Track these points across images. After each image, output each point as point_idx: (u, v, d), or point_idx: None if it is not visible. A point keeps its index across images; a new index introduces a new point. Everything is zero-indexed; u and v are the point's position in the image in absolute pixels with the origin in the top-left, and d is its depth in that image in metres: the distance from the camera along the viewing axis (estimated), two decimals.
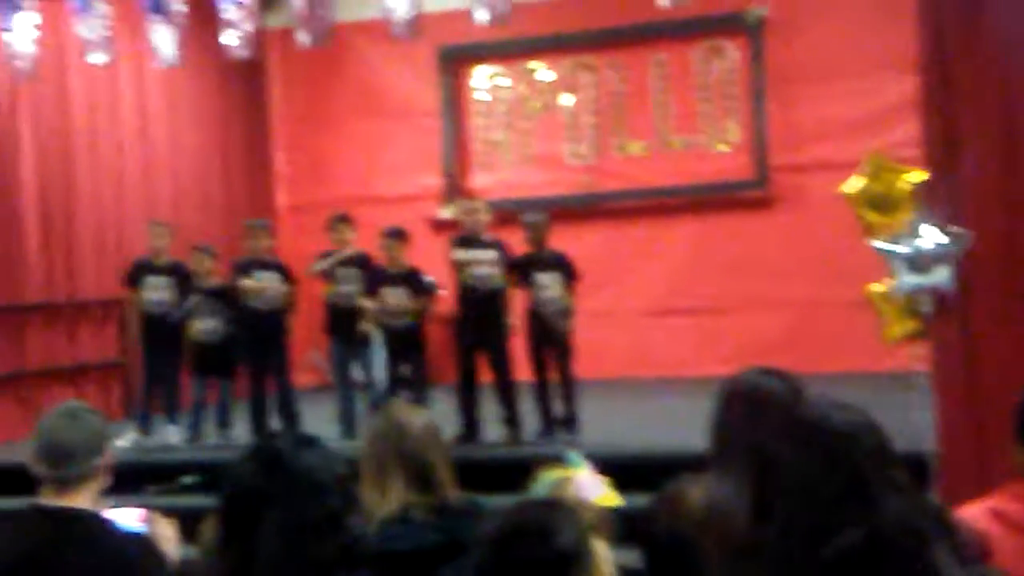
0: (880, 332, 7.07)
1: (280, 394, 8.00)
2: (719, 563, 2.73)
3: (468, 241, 7.62)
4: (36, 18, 7.86)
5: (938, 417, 5.80)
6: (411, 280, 7.80)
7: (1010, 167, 5.53)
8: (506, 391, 7.53)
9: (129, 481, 3.20)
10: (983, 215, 5.59)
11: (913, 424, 5.73)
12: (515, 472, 5.98)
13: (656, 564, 3.07)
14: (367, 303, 7.83)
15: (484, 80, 11.91)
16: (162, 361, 8.29)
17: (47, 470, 3.04)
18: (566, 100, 11.66)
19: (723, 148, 11.19)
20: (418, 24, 7.01)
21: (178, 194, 10.79)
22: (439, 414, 7.51)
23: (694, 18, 11.14)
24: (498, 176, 11.79)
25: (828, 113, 10.63)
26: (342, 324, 8.06)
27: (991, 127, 5.59)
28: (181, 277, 8.22)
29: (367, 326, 7.91)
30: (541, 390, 7.59)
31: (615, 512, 3.07)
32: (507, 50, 11.68)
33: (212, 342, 8.09)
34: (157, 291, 8.20)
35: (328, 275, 8.15)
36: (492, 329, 7.53)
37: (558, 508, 2.31)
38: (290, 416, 7.95)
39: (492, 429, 7.58)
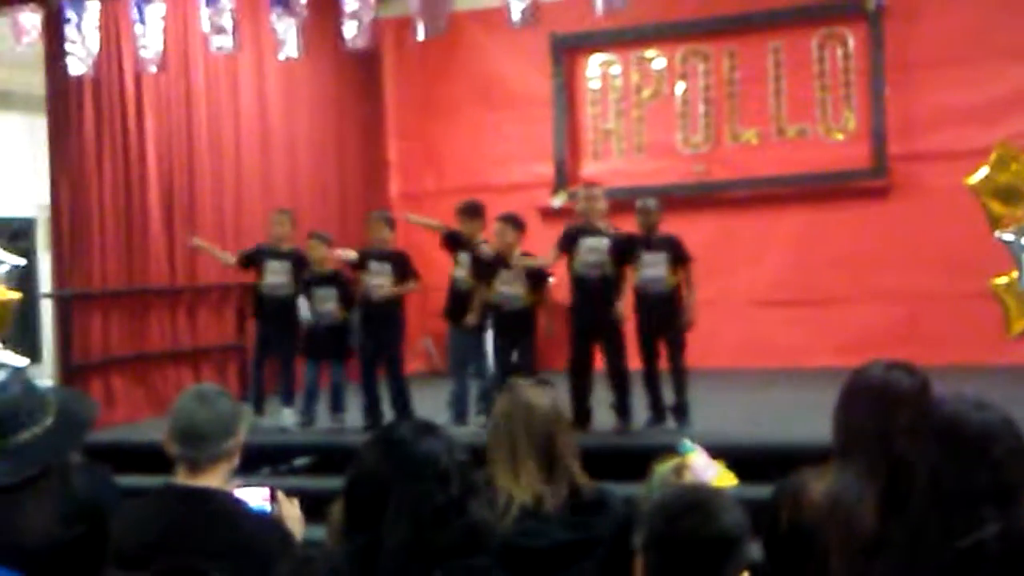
0: (1002, 325, 6.93)
1: (392, 383, 8.06)
2: (842, 557, 2.71)
3: (582, 230, 7.61)
4: (162, 9, 8.08)
5: None
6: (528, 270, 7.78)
7: None
8: (617, 379, 7.52)
9: (242, 462, 3.27)
10: None
11: None
12: (626, 460, 6.02)
13: (777, 556, 3.06)
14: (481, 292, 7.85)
15: (596, 68, 11.89)
16: (277, 343, 8.45)
17: (181, 450, 3.13)
18: (679, 88, 11.58)
19: (839, 137, 11.01)
20: (533, 12, 7.03)
21: (294, 182, 10.98)
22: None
23: (812, 4, 11.03)
24: (610, 165, 11.76)
25: (948, 101, 10.39)
26: (460, 310, 8.11)
27: None
28: (297, 263, 8.36)
29: (471, 318, 7.93)
30: (651, 378, 7.56)
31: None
32: (620, 38, 11.63)
33: (326, 325, 8.19)
34: (275, 275, 8.36)
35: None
36: (604, 316, 7.52)
37: (721, 494, 2.35)
38: (403, 404, 8.02)
39: (602, 417, 7.57)
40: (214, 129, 10.03)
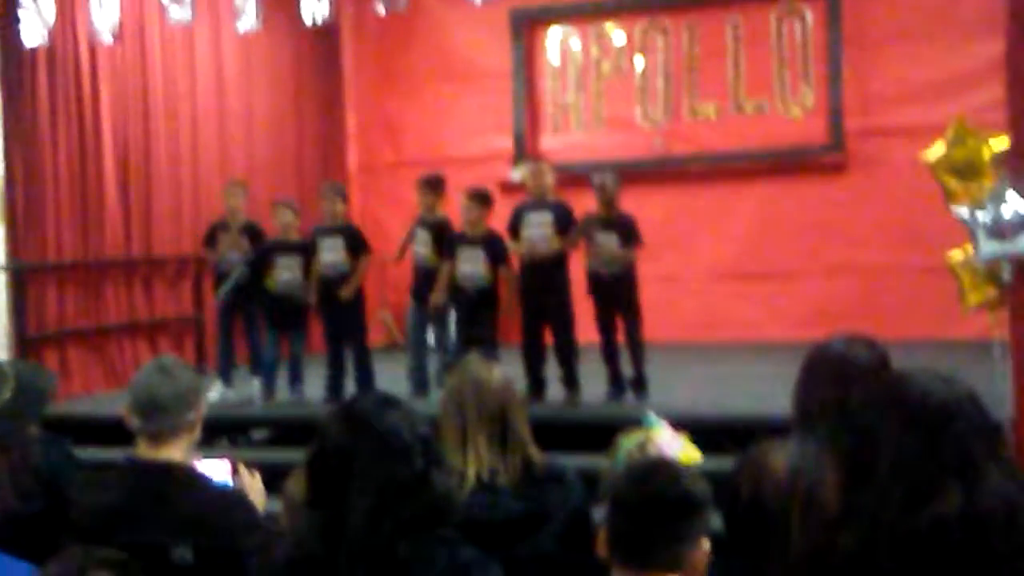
0: (957, 299, 7.01)
1: (356, 356, 8.06)
2: (803, 529, 2.74)
3: (527, 207, 7.61)
4: None
5: (1015, 385, 5.74)
6: (489, 244, 7.76)
7: None
8: (564, 353, 7.54)
9: (201, 434, 3.27)
10: None
11: (991, 392, 5.68)
12: (582, 433, 6.07)
13: (737, 529, 3.08)
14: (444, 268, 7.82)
15: (556, 42, 11.87)
16: (238, 315, 8.42)
17: (141, 423, 3.12)
18: (638, 62, 11.59)
19: (797, 112, 11.07)
20: None
21: (252, 154, 10.90)
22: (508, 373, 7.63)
23: None
24: (569, 138, 11.76)
25: (906, 77, 10.47)
26: (421, 287, 8.09)
27: None
28: (253, 235, 8.31)
29: (437, 297, 7.90)
30: (609, 352, 7.59)
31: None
32: (580, 12, 11.63)
33: (287, 295, 8.14)
34: (231, 250, 8.30)
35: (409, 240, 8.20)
36: (552, 291, 7.53)
37: (683, 466, 2.42)
38: (366, 378, 8.02)
39: (557, 390, 7.61)
40: (170, 100, 9.92)
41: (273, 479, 3.46)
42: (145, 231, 9.65)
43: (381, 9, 7.28)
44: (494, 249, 7.70)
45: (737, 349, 10.22)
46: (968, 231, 5.83)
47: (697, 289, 11.03)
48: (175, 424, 3.11)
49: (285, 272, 8.11)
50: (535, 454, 3.25)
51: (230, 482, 3.30)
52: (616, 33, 11.64)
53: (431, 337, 8.41)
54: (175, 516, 2.96)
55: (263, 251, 8.20)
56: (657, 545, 2.25)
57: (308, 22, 7.69)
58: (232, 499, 3.13)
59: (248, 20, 7.84)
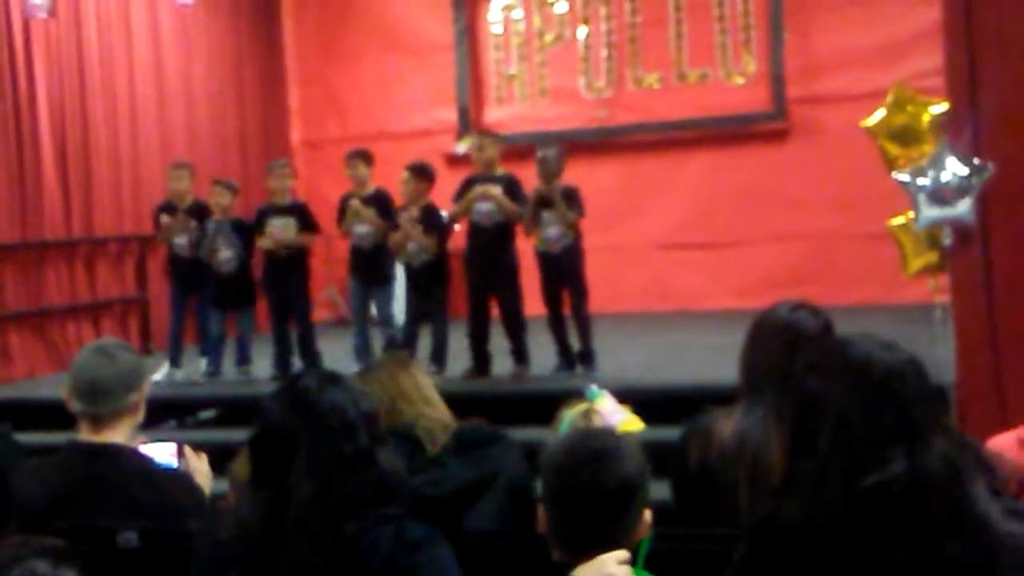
0: (899, 264, 7.08)
1: (301, 333, 8.02)
2: (750, 496, 2.76)
3: (479, 179, 7.58)
4: None
5: (958, 348, 5.82)
6: (426, 216, 7.74)
7: None
8: (512, 326, 7.53)
9: (147, 416, 3.23)
10: (1005, 147, 5.56)
11: (933, 356, 5.75)
12: (529, 406, 6.07)
13: (685, 496, 3.11)
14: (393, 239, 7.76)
15: (498, 13, 11.81)
16: (190, 296, 8.36)
17: (82, 406, 3.07)
18: (581, 32, 11.56)
19: (739, 80, 11.10)
20: None
21: (193, 130, 10.77)
22: (454, 348, 7.63)
23: None
24: (513, 110, 11.73)
25: (847, 43, 10.52)
26: (360, 264, 8.04)
27: (1014, 58, 5.55)
28: (200, 215, 8.22)
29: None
30: (557, 325, 7.58)
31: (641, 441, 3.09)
32: None
33: (228, 273, 8.08)
34: (182, 234, 8.21)
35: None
36: (498, 264, 7.51)
37: (619, 438, 2.35)
38: (311, 355, 7.98)
39: (504, 363, 7.61)
40: (107, 77, 9.76)
41: (221, 459, 3.43)
42: (85, 211, 9.51)
43: None
44: (432, 222, 7.68)
45: (684, 318, 10.27)
46: (909, 197, 5.88)
47: (643, 259, 11.06)
48: (117, 407, 3.07)
49: (223, 251, 8.03)
50: (449, 419, 3.30)
51: (176, 464, 3.26)
52: (558, 3, 11.60)
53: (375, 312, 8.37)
54: (119, 500, 2.92)
55: (203, 234, 8.10)
56: (596, 533, 2.22)
57: None
58: (177, 481, 3.09)
59: None
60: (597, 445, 2.28)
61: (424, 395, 3.39)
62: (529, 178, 7.62)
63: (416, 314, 7.84)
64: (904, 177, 5.89)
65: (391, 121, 11.77)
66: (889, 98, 6.67)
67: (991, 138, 5.58)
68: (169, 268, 8.51)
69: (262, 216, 8.09)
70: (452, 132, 11.65)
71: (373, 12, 11.90)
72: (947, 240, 5.79)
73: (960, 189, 5.57)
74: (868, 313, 8.37)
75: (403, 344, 7.75)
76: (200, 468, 3.28)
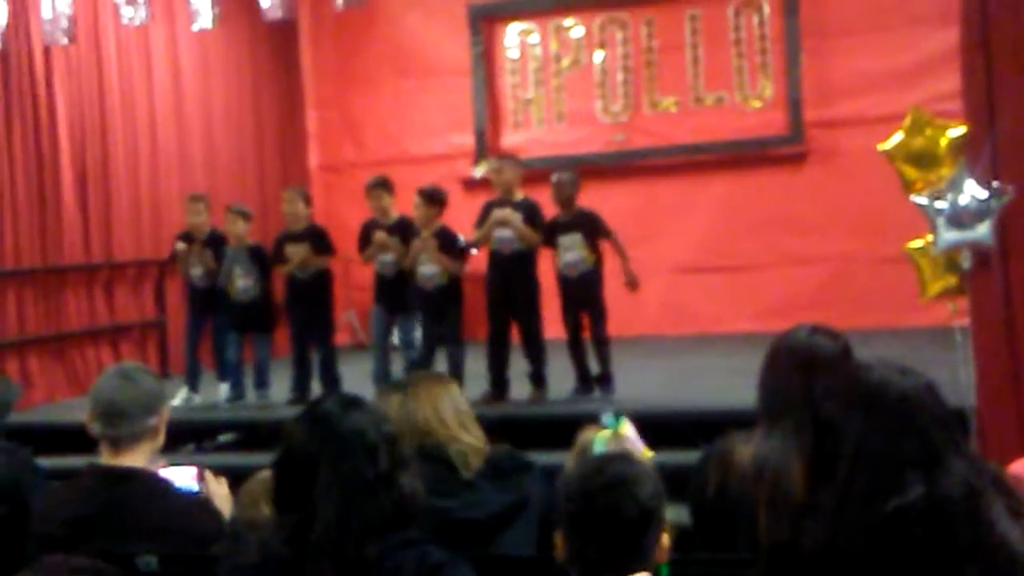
0: (917, 288, 7.05)
1: (322, 358, 8.03)
2: (769, 520, 2.75)
3: (498, 203, 7.59)
4: None
5: (977, 373, 5.78)
6: (442, 241, 7.75)
7: None
8: (532, 350, 7.53)
9: (167, 439, 3.24)
10: None
11: (952, 379, 5.72)
12: (546, 429, 6.06)
13: (704, 520, 3.09)
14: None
15: (515, 37, 11.86)
16: (205, 321, 8.40)
17: (103, 429, 3.08)
18: (597, 56, 11.59)
19: (756, 104, 11.11)
20: None
21: (211, 154, 10.82)
22: (472, 372, 7.63)
23: None
24: (530, 134, 11.76)
25: (864, 67, 10.52)
26: (385, 291, 8.05)
27: None
28: (218, 245, 8.25)
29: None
30: (576, 348, 7.58)
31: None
32: (538, 6, 11.63)
33: (247, 301, 8.11)
34: (198, 265, 8.25)
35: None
36: (519, 290, 7.52)
37: (638, 464, 2.35)
38: (332, 379, 7.99)
39: (522, 388, 7.60)
40: (127, 102, 9.83)
41: (239, 483, 3.43)
42: (105, 235, 9.56)
43: (340, 1, 7.23)
44: (447, 246, 7.69)
45: (701, 342, 10.25)
46: (927, 220, 5.86)
47: (660, 283, 11.02)
48: (137, 430, 3.08)
49: (241, 279, 8.06)
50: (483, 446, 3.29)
51: (196, 488, 3.27)
52: (575, 28, 11.65)
53: (396, 340, 8.37)
54: (139, 524, 2.93)
55: (220, 263, 8.14)
56: (614, 558, 2.21)
57: (265, 17, 7.62)
58: (197, 505, 3.10)
59: (204, 19, 7.78)
60: (615, 471, 2.29)
61: (461, 417, 3.37)
62: (545, 202, 7.64)
63: (432, 338, 7.85)
64: (922, 200, 5.87)
65: (408, 145, 11.82)
66: (907, 121, 6.66)
67: (1009, 161, 5.56)
68: (187, 294, 8.55)
69: (279, 245, 8.13)
70: (469, 156, 11.67)
71: (390, 37, 11.95)
72: (966, 263, 5.77)
73: (979, 212, 5.55)
74: (885, 337, 8.35)
75: (419, 368, 7.75)
76: (219, 492, 3.29)
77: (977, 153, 5.63)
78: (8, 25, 8.11)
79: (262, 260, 8.13)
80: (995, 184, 5.55)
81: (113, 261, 9.64)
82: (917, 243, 6.67)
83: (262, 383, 8.22)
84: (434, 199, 7.79)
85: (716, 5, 11.17)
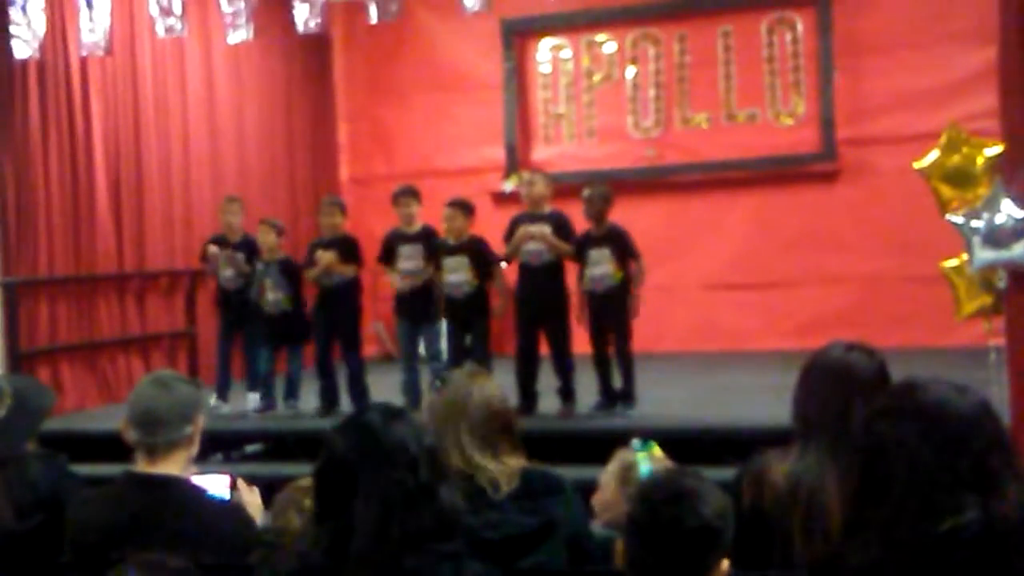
0: (950, 307, 7.01)
1: (350, 369, 8.04)
2: (805, 539, 2.73)
3: (527, 218, 7.60)
4: None
5: (1011, 392, 5.74)
6: (473, 251, 7.77)
7: None
8: (562, 364, 7.52)
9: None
10: None
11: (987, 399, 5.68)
12: (573, 444, 6.05)
13: (738, 538, 3.07)
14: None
15: (547, 52, 11.88)
16: (239, 331, 8.43)
17: (139, 437, 3.10)
18: (629, 72, 11.59)
19: (788, 121, 11.08)
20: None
21: (243, 166, 10.88)
22: (498, 384, 7.59)
23: None
24: (560, 149, 11.76)
25: (897, 85, 10.48)
26: (407, 301, 8.06)
27: None
28: (250, 251, 8.30)
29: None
30: (601, 363, 7.56)
31: None
32: (571, 22, 11.63)
33: (277, 314, 8.14)
34: (225, 266, 8.30)
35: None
36: (549, 303, 7.52)
37: (709, 483, 2.36)
38: (361, 391, 8.00)
39: (549, 402, 7.58)
40: (161, 113, 9.90)
41: (268, 493, 3.44)
42: (137, 245, 9.62)
43: (373, 15, 7.27)
44: (480, 255, 7.71)
45: (731, 359, 10.21)
46: (963, 239, 5.83)
47: (691, 299, 11.02)
48: (173, 438, 3.10)
49: (271, 292, 8.10)
50: (525, 463, 3.23)
51: (228, 496, 3.28)
52: (607, 43, 11.66)
53: (423, 350, 8.37)
54: (175, 531, 2.94)
55: (252, 274, 8.19)
56: (671, 570, 2.22)
57: (300, 29, 7.66)
58: (232, 513, 3.11)
59: (240, 33, 7.82)
60: (684, 484, 2.31)
61: (488, 438, 3.26)
62: (576, 217, 7.63)
63: (459, 349, 7.85)
64: (958, 219, 5.84)
65: (438, 159, 11.84)
66: (943, 140, 6.63)
67: None
68: (217, 301, 8.59)
69: (311, 251, 8.17)
70: (499, 170, 11.69)
71: (422, 50, 11.99)
72: (1002, 283, 5.73)
73: (1015, 231, 5.51)
74: (919, 356, 8.28)
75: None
76: (252, 501, 3.30)
77: (1014, 172, 5.59)
78: (46, 36, 8.18)
79: (293, 273, 8.16)
80: None
81: (145, 271, 9.70)
82: (952, 262, 6.63)
83: (291, 393, 8.24)
84: (466, 207, 7.83)
85: (749, 21, 11.16)
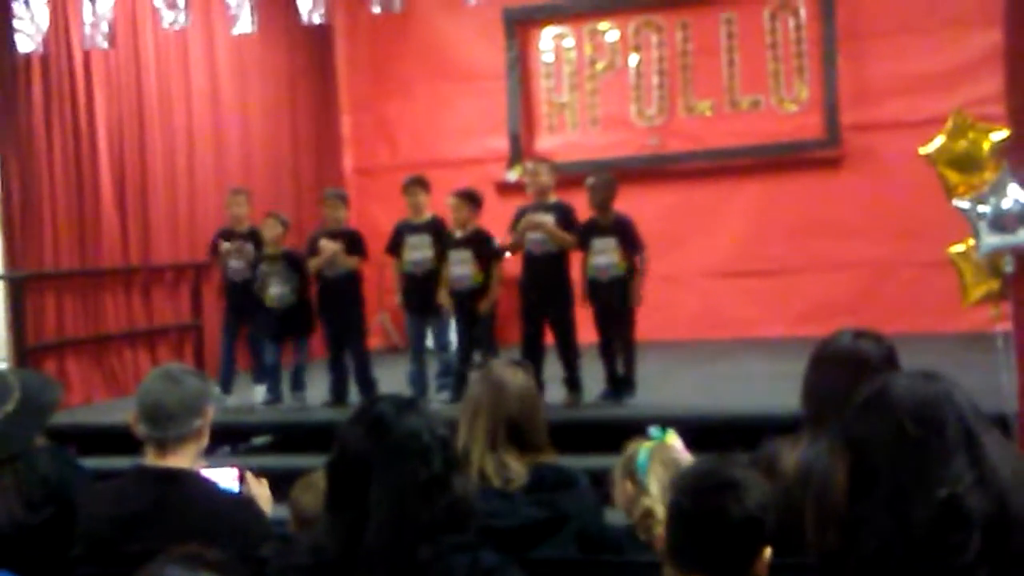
0: (957, 292, 6.99)
1: (356, 360, 8.05)
2: (815, 526, 2.73)
3: (532, 208, 7.59)
4: None
5: (1019, 378, 5.73)
6: (477, 243, 7.78)
7: None
8: (567, 354, 7.52)
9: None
10: None
11: (995, 384, 5.68)
12: (578, 433, 6.04)
13: None
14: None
15: (550, 41, 11.86)
16: (244, 324, 8.42)
17: (148, 430, 3.10)
18: (632, 60, 11.57)
19: (792, 107, 11.06)
20: None
21: (248, 159, 10.87)
22: None
23: None
24: (564, 138, 11.75)
25: (901, 70, 10.45)
26: (414, 294, 8.06)
27: None
28: (257, 241, 8.30)
29: (443, 298, 7.88)
30: (607, 352, 7.56)
31: None
32: (573, 11, 11.62)
33: (282, 308, 8.13)
34: (234, 258, 8.30)
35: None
36: (553, 292, 7.51)
37: (753, 473, 2.37)
38: (368, 382, 8.01)
39: (555, 391, 7.58)
40: (165, 106, 9.90)
41: (276, 485, 3.45)
42: (143, 239, 9.63)
43: (376, 7, 7.26)
44: (482, 248, 7.71)
45: (737, 346, 10.20)
46: (969, 224, 5.82)
47: (695, 287, 11.01)
48: (182, 431, 3.10)
49: (275, 287, 8.08)
50: (548, 457, 3.24)
51: (237, 489, 3.29)
52: (610, 32, 11.63)
53: (431, 341, 8.38)
54: (185, 524, 2.94)
55: (257, 266, 8.18)
56: (711, 557, 2.24)
57: (304, 20, 7.66)
58: (243, 506, 3.12)
59: (243, 24, 7.82)
60: (728, 473, 2.33)
61: (499, 438, 3.26)
62: (581, 206, 7.62)
63: (467, 339, 7.86)
64: (965, 204, 5.83)
65: (442, 149, 11.82)
66: (948, 124, 6.60)
67: None
68: (223, 292, 8.58)
69: (313, 242, 8.16)
70: (503, 160, 11.68)
71: (425, 40, 11.97)
72: (1009, 268, 5.71)
73: (1022, 216, 5.50)
74: (925, 342, 8.27)
75: (457, 372, 7.77)
76: (262, 493, 3.31)
77: (1020, 157, 5.58)
78: (49, 30, 8.18)
79: (297, 266, 8.15)
80: None
81: (150, 264, 9.71)
82: (959, 247, 6.61)
83: (298, 385, 8.24)
84: (472, 198, 7.84)
85: (752, 8, 11.13)
